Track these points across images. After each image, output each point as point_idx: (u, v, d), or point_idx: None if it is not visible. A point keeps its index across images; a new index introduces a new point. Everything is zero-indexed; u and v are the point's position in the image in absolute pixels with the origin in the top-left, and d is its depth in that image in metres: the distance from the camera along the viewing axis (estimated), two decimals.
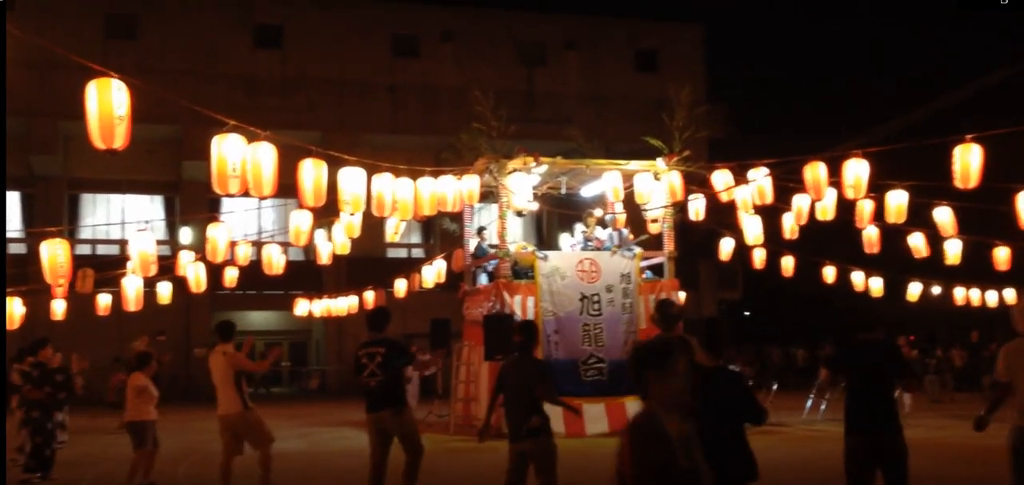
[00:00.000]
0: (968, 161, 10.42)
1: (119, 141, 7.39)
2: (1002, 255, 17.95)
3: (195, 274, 17.17)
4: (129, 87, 7.48)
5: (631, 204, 17.45)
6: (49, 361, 12.31)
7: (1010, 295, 23.19)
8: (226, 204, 30.53)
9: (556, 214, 26.99)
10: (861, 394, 6.97)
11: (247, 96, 30.72)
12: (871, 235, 16.47)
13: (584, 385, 16.11)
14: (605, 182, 16.46)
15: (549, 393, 7.94)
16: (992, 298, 23.23)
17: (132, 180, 32.76)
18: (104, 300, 18.63)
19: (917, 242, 16.94)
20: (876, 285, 21.31)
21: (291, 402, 26.42)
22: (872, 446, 6.82)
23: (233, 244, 16.35)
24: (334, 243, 17.09)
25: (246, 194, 9.35)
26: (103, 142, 7.36)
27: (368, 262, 28.52)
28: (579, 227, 18.41)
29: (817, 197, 13.00)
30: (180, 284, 18.46)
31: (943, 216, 15.03)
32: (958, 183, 10.51)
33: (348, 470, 12.73)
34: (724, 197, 15.01)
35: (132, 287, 15.73)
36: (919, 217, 15.03)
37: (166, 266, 18.14)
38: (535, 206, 17.91)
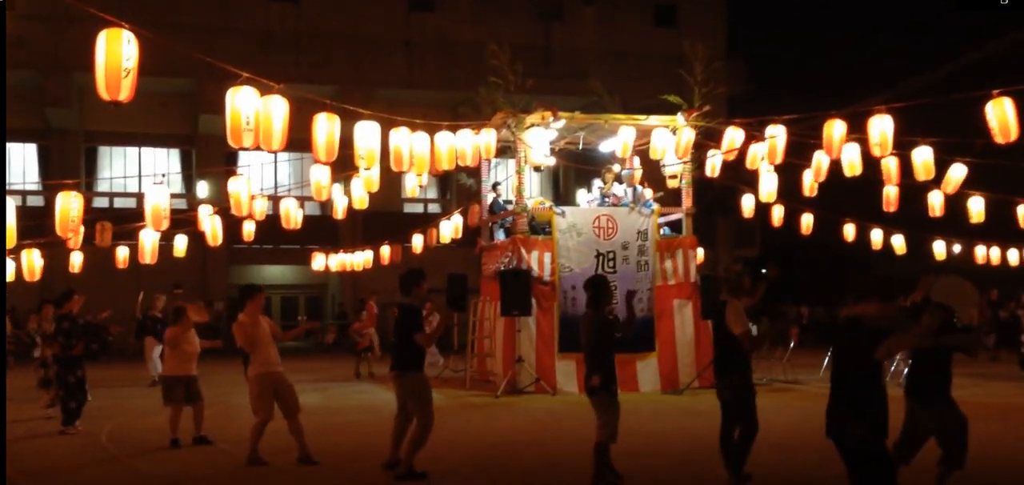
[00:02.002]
0: (1006, 115, 10.23)
1: (125, 93, 7.35)
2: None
3: (213, 227, 17.17)
4: (139, 39, 7.41)
5: (650, 160, 17.30)
6: (76, 312, 12.26)
7: None
8: (243, 158, 30.51)
9: (573, 170, 26.85)
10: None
11: (261, 50, 30.55)
12: (890, 193, 16.25)
13: None
14: (622, 138, 16.32)
15: (591, 348, 8.11)
16: (1014, 256, 22.99)
17: (149, 133, 32.75)
18: (122, 253, 18.69)
19: (937, 200, 16.74)
20: (898, 243, 21.13)
21: (307, 356, 26.52)
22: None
23: (251, 198, 16.35)
24: (351, 197, 17.05)
25: (259, 148, 9.32)
26: (109, 94, 7.33)
27: (385, 217, 28.53)
28: (597, 182, 18.28)
29: (832, 155, 12.81)
30: (197, 238, 18.48)
31: (957, 173, 14.84)
32: (998, 139, 10.33)
33: (363, 425, 12.78)
34: (732, 157, 14.83)
35: (149, 240, 15.75)
36: (944, 174, 14.81)
37: (183, 220, 18.17)
38: (552, 161, 17.78)
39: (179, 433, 10.72)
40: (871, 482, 5.49)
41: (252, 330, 9.47)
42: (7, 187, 19.62)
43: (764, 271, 8.04)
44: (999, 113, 10.24)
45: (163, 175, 17.07)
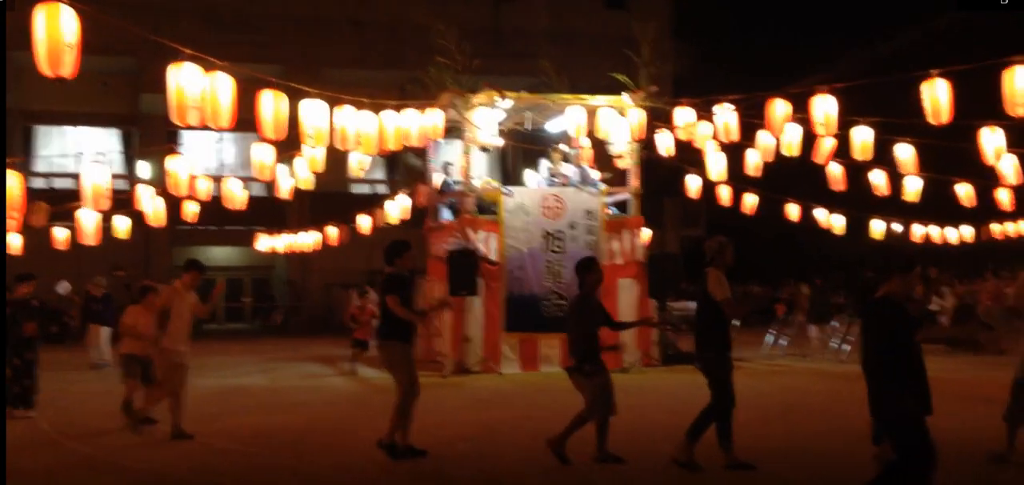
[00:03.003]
0: (937, 97, 10.40)
1: (68, 69, 7.20)
2: (963, 192, 18.14)
3: (154, 208, 16.94)
4: (79, 13, 7.26)
5: (597, 140, 17.38)
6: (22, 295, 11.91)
7: (968, 232, 23.55)
8: (186, 138, 30.07)
9: (521, 150, 26.86)
10: None
11: (207, 29, 30.05)
12: (835, 173, 16.55)
13: (543, 321, 16.19)
14: (570, 118, 16.36)
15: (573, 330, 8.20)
16: (952, 235, 23.52)
17: (89, 112, 32.12)
18: (61, 234, 18.33)
19: (879, 180, 17.05)
20: (839, 223, 21.49)
21: (254, 338, 26.30)
22: None
23: (193, 178, 16.14)
24: (297, 178, 16.91)
25: (205, 126, 9.21)
26: (50, 69, 7.18)
27: (332, 198, 28.29)
28: (545, 163, 18.32)
29: (776, 134, 12.98)
30: (139, 219, 18.20)
31: (905, 153, 15.10)
32: (930, 119, 10.51)
33: (308, 404, 12.73)
34: (683, 135, 14.95)
35: (89, 221, 15.47)
36: (882, 154, 15.08)
37: (125, 200, 17.88)
38: (500, 142, 17.76)
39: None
40: (914, 457, 5.66)
41: (179, 301, 9.50)
42: None
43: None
44: (932, 95, 10.42)
45: (102, 154, 16.77)
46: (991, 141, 12.56)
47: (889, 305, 5.88)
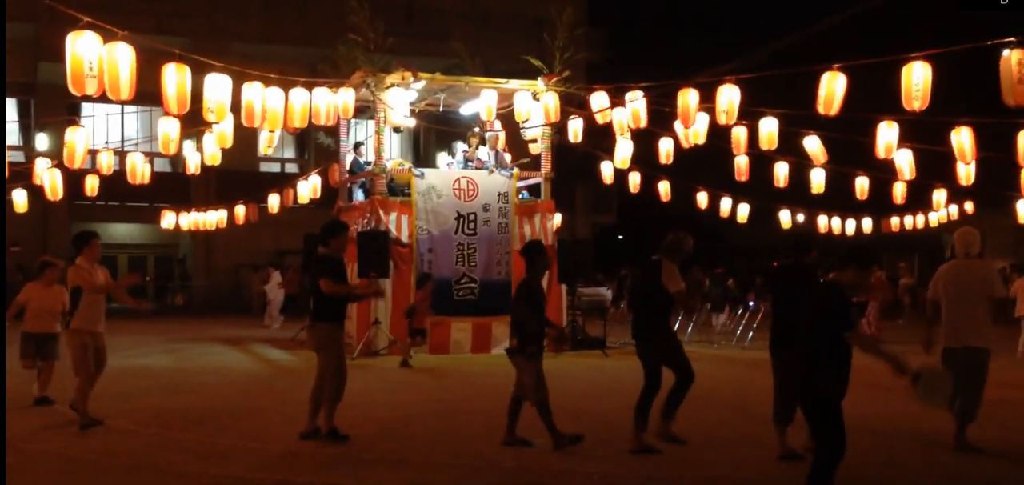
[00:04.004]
0: (833, 89, 10.67)
1: None
2: (861, 184, 18.71)
3: (52, 181, 16.34)
4: None
5: (511, 125, 17.38)
6: None
7: (867, 224, 24.32)
8: (87, 110, 29.07)
9: (434, 132, 26.73)
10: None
11: None
12: (741, 163, 16.90)
13: (455, 304, 16.18)
14: (484, 101, 16.32)
15: (522, 313, 8.20)
16: (851, 227, 24.25)
17: None
18: None
19: (782, 171, 17.47)
20: (743, 211, 21.97)
21: (156, 319, 25.63)
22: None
23: (94, 152, 15.64)
24: (203, 154, 16.52)
25: (104, 97, 8.91)
26: None
27: (240, 176, 27.72)
28: (461, 146, 18.26)
29: (687, 124, 13.19)
30: (37, 193, 17.55)
31: (812, 145, 15.50)
32: (821, 110, 10.77)
33: (213, 385, 12.48)
34: (600, 119, 15.08)
35: None
36: (788, 145, 15.44)
37: (21, 173, 17.23)
38: (412, 123, 17.65)
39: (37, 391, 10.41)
40: (830, 439, 5.82)
41: (90, 276, 9.09)
42: None
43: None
44: (827, 87, 10.68)
45: None
46: (886, 135, 12.98)
47: (837, 292, 5.95)
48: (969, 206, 23.07)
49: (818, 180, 18.31)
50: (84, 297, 9.11)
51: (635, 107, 14.11)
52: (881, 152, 13.23)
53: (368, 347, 15.61)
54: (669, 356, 8.18)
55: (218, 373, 14.02)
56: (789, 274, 8.04)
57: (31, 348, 10.44)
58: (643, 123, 14.25)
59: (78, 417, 9.16)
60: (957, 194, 20.91)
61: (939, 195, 20.59)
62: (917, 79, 9.87)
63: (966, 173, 14.10)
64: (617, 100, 14.62)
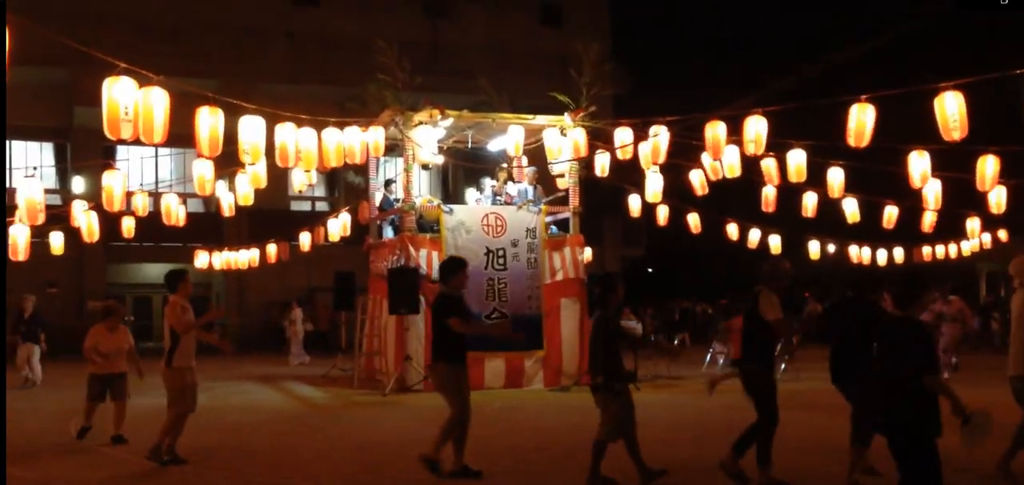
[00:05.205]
0: (863, 121, 10.64)
1: None
2: (890, 213, 18.59)
3: (88, 223, 16.59)
4: (9, 24, 7.11)
5: (540, 160, 17.45)
6: None
7: (899, 254, 24.12)
8: (122, 153, 29.52)
9: (462, 168, 26.89)
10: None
11: (139, 40, 29.47)
12: (768, 194, 16.85)
13: (487, 340, 16.17)
14: (511, 137, 16.44)
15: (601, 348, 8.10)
16: (883, 256, 24.06)
17: (19, 125, 31.31)
18: None
19: (810, 201, 17.40)
20: (774, 243, 21.87)
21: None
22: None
23: (130, 194, 15.87)
24: (237, 194, 16.72)
25: (138, 141, 9.07)
26: None
27: (271, 214, 28.00)
28: (489, 182, 18.36)
29: (716, 156, 13.19)
30: (73, 234, 17.83)
31: (836, 177, 15.45)
32: (851, 142, 10.74)
33: (246, 425, 12.55)
34: (621, 155, 15.13)
35: (20, 236, 15.12)
36: (816, 176, 15.40)
37: (58, 215, 17.50)
38: (441, 160, 17.78)
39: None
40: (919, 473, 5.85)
41: (185, 315, 9.19)
42: None
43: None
44: (858, 118, 10.66)
45: (35, 168, 16.44)
46: (919, 164, 12.91)
47: (924, 335, 6.03)
48: (1003, 234, 22.84)
49: (852, 209, 18.22)
50: (181, 337, 9.18)
51: (657, 141, 14.15)
52: (916, 181, 13.16)
53: (400, 383, 15.67)
54: (759, 393, 7.95)
55: (249, 411, 14.11)
56: (851, 309, 8.26)
57: (99, 390, 10.66)
58: (663, 158, 14.36)
59: (153, 457, 9.19)
60: (990, 222, 20.72)
61: (972, 223, 20.40)
62: (952, 110, 9.80)
63: (997, 201, 13.98)
64: (642, 135, 14.66)
